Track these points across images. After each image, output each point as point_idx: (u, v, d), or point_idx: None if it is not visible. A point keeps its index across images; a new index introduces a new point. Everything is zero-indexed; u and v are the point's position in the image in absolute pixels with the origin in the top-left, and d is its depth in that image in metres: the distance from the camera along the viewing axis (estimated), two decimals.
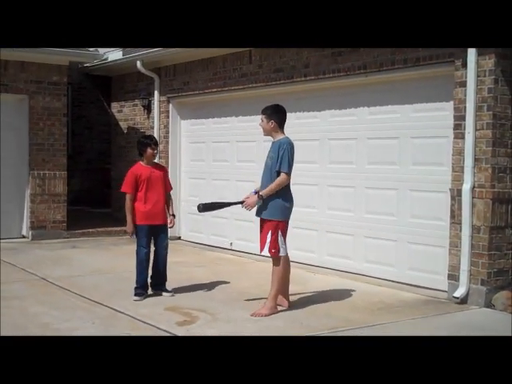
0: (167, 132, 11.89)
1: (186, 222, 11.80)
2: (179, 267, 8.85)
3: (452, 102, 7.31)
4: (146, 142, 7.30)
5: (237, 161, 10.65)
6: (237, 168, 10.60)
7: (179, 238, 11.79)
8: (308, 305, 6.91)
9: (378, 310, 6.82)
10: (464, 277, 7.05)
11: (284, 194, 6.51)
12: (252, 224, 9.81)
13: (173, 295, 7.28)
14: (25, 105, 11.28)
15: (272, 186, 6.44)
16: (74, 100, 15.42)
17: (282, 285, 6.62)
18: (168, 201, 7.39)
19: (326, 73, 8.77)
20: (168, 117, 11.93)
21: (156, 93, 12.06)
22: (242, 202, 6.65)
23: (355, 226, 8.64)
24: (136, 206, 7.19)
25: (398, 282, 7.99)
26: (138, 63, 11.82)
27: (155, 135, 11.14)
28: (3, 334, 5.55)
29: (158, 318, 6.34)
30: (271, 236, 6.46)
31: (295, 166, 6.57)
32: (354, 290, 7.68)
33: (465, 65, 7.01)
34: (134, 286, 7.18)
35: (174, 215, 7.41)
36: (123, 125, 13.41)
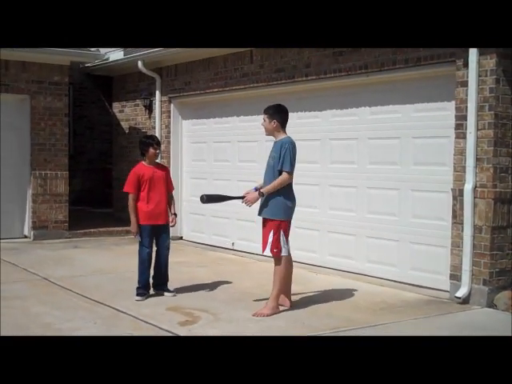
0: (168, 132, 11.90)
1: (188, 222, 11.80)
2: (181, 267, 8.85)
3: (453, 102, 7.30)
4: (148, 142, 7.30)
5: (238, 161, 10.65)
6: (238, 168, 10.60)
7: (181, 237, 11.80)
8: (310, 305, 6.91)
9: (380, 309, 6.81)
10: (466, 277, 7.04)
11: (286, 194, 6.51)
12: (254, 224, 9.82)
13: (174, 295, 7.28)
14: (26, 105, 11.28)
15: (274, 184, 6.44)
16: (76, 100, 15.43)
17: (284, 285, 6.62)
18: (170, 200, 7.39)
19: (327, 73, 8.76)
20: (169, 117, 11.93)
21: (157, 93, 12.07)
22: (242, 198, 6.66)
23: (357, 225, 8.64)
24: (138, 206, 7.19)
25: (399, 282, 7.99)
26: (140, 63, 11.83)
27: (157, 135, 11.13)
28: (5, 333, 5.55)
29: (159, 318, 6.34)
30: (273, 236, 6.46)
31: (297, 166, 6.57)
32: (355, 290, 7.68)
33: (466, 65, 7.01)
34: (136, 285, 7.18)
35: (175, 214, 7.41)
36: (124, 125, 13.42)
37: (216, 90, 10.77)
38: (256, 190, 6.61)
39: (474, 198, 7.01)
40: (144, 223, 7.18)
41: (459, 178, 7.18)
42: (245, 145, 10.51)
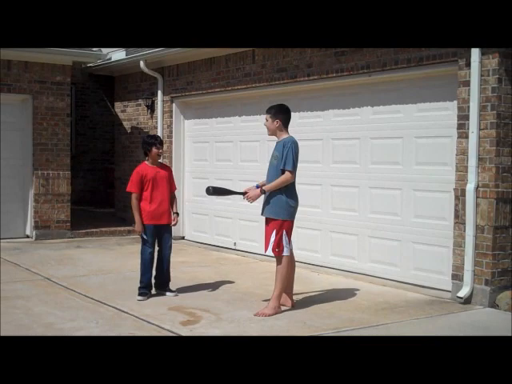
0: (170, 132, 11.90)
1: (190, 222, 11.81)
2: (183, 267, 8.86)
3: (456, 102, 7.30)
4: (151, 142, 7.30)
5: (240, 160, 10.65)
6: (240, 168, 10.60)
7: (183, 237, 11.81)
8: (312, 305, 6.91)
9: (382, 310, 6.81)
10: (468, 277, 7.04)
11: (290, 194, 6.52)
12: (256, 224, 9.83)
13: (176, 295, 7.28)
14: (28, 105, 11.30)
15: (276, 182, 6.44)
16: (78, 100, 15.44)
17: (286, 284, 6.62)
18: (172, 200, 7.39)
19: (329, 72, 8.76)
20: (171, 117, 11.93)
21: (159, 93, 12.07)
22: (244, 194, 6.67)
23: (359, 225, 8.64)
24: (141, 206, 7.19)
25: (402, 282, 7.99)
26: (142, 63, 11.84)
27: (159, 135, 11.14)
28: (7, 333, 5.56)
29: (161, 317, 6.34)
30: (276, 235, 6.46)
31: (298, 165, 6.56)
32: (357, 290, 7.68)
33: (468, 64, 7.00)
34: (138, 285, 7.19)
35: (177, 213, 7.41)
36: (127, 125, 13.42)
37: (218, 89, 10.77)
38: (257, 187, 6.62)
39: (476, 197, 7.00)
40: (147, 223, 7.18)
41: (461, 178, 7.18)
42: (247, 144, 10.51)
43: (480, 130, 6.96)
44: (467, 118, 7.05)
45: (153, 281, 7.31)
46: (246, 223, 10.39)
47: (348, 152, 8.81)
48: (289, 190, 6.52)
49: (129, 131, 13.33)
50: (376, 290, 7.75)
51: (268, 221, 6.60)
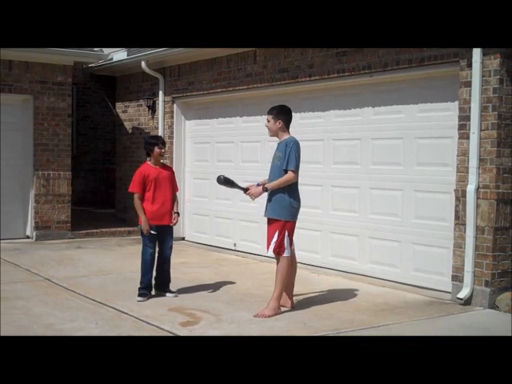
0: (172, 132, 11.89)
1: (190, 223, 11.80)
2: (183, 268, 8.86)
3: (457, 102, 7.29)
4: (153, 142, 7.30)
5: (241, 161, 10.64)
6: (241, 168, 10.59)
7: (183, 238, 11.80)
8: (312, 306, 6.90)
9: (382, 311, 6.80)
10: (468, 278, 7.03)
11: (292, 194, 6.51)
12: (256, 225, 9.83)
13: (176, 296, 7.27)
14: (29, 105, 11.30)
15: (279, 182, 6.44)
16: (79, 100, 15.45)
17: (286, 285, 6.61)
18: (173, 201, 7.37)
19: (330, 73, 8.75)
20: (172, 117, 11.93)
21: (160, 93, 12.07)
22: (246, 190, 6.66)
23: (359, 226, 8.63)
24: (143, 206, 7.17)
25: (402, 283, 7.97)
26: (143, 63, 11.84)
27: (160, 135, 11.14)
28: (7, 333, 5.55)
29: (161, 318, 6.33)
30: (278, 236, 6.46)
31: (299, 166, 6.55)
32: (357, 291, 7.67)
33: (470, 65, 6.99)
34: (138, 286, 7.18)
35: (178, 213, 7.39)
36: (128, 125, 13.42)
37: (219, 90, 10.76)
38: (258, 185, 6.62)
39: (477, 198, 6.99)
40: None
41: (462, 179, 7.16)
42: (248, 145, 10.50)
43: (481, 130, 6.95)
44: (468, 118, 7.04)
45: (153, 282, 7.31)
46: (246, 224, 10.39)
47: (349, 152, 8.80)
48: (292, 191, 6.52)
49: (130, 132, 13.33)
50: (376, 291, 7.74)
51: (270, 221, 6.60)
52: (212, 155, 11.34)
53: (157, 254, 7.31)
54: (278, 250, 6.47)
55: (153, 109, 12.40)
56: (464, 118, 7.12)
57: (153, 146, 7.25)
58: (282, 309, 6.61)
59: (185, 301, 7.09)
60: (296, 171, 6.45)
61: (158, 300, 7.13)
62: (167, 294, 7.28)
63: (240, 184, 6.87)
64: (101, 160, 15.88)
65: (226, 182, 6.81)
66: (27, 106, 11.30)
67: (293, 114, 6.86)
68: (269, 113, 6.71)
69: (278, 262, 6.57)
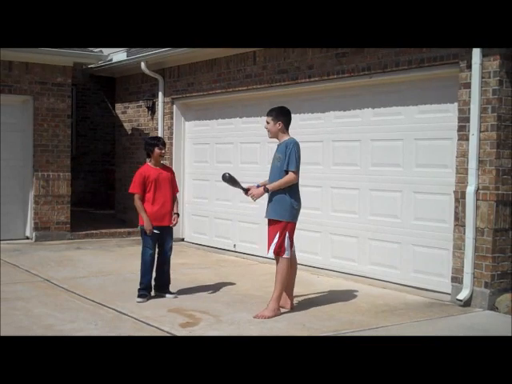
0: (171, 133, 11.89)
1: (190, 224, 11.80)
2: (183, 269, 8.86)
3: (456, 104, 7.29)
4: (153, 143, 7.30)
5: (240, 162, 10.63)
6: (240, 169, 10.58)
7: (183, 239, 11.80)
8: (311, 307, 6.90)
9: (382, 312, 6.80)
10: (468, 279, 7.03)
11: (293, 195, 6.52)
12: (256, 226, 9.83)
13: (176, 297, 7.27)
14: (29, 106, 11.30)
15: (280, 182, 6.44)
16: (79, 101, 15.45)
17: (286, 286, 6.61)
18: (173, 202, 7.37)
19: (330, 74, 8.76)
20: (172, 118, 11.93)
21: (160, 94, 12.08)
22: (247, 190, 6.65)
23: (359, 228, 8.63)
24: (144, 207, 7.17)
25: (402, 285, 7.97)
26: (143, 64, 11.84)
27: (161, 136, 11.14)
28: (7, 334, 5.55)
29: (161, 319, 6.33)
30: (279, 237, 6.46)
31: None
32: (357, 292, 7.68)
33: (469, 66, 6.99)
34: (138, 287, 7.17)
35: (177, 214, 7.38)
36: (127, 126, 13.42)
37: (219, 91, 10.77)
38: (258, 186, 6.62)
39: (477, 200, 6.99)
40: None
41: (461, 180, 7.17)
42: (247, 146, 10.50)
43: (480, 132, 6.95)
44: (468, 120, 7.05)
45: (153, 283, 7.31)
46: (245, 225, 10.39)
47: (348, 154, 8.80)
48: (293, 192, 6.52)
49: (129, 133, 13.33)
50: (376, 293, 7.74)
51: (271, 222, 6.59)
52: (211, 156, 11.34)
53: (156, 255, 7.32)
54: (279, 251, 6.47)
55: (152, 110, 12.41)
56: (463, 120, 7.13)
57: (153, 147, 7.26)
58: (282, 310, 6.61)
59: (184, 302, 7.09)
60: (297, 172, 6.46)
61: (157, 301, 7.13)
62: (167, 295, 7.28)
63: (237, 195, 6.87)
64: (100, 161, 15.88)
65: (230, 179, 6.80)
66: (27, 106, 11.30)
67: (292, 115, 6.87)
68: (268, 114, 6.71)
69: (277, 263, 6.57)
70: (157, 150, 7.24)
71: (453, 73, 7.29)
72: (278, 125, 6.60)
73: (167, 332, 5.89)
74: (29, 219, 11.43)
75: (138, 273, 7.26)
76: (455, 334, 5.98)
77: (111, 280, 8.26)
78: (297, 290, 7.00)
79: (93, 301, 7.06)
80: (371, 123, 8.50)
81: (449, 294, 7.31)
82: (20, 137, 11.28)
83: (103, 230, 12.12)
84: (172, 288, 7.39)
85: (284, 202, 6.48)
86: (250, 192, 6.64)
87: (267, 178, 6.73)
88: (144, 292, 7.15)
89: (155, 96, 12.27)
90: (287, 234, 6.49)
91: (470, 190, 7.00)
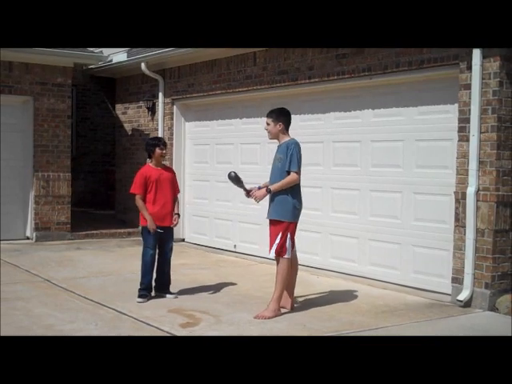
0: (171, 134, 11.89)
1: (190, 224, 11.80)
2: (183, 269, 8.86)
3: (456, 105, 7.29)
4: (154, 143, 7.31)
5: (240, 163, 10.63)
6: (241, 170, 10.54)
7: (183, 239, 11.80)
8: (311, 307, 6.90)
9: (382, 313, 6.80)
10: (468, 280, 7.03)
11: (295, 196, 6.52)
12: (256, 226, 9.83)
13: (176, 297, 7.27)
14: (29, 106, 11.30)
15: (282, 183, 6.44)
16: (79, 102, 15.45)
17: (286, 286, 6.61)
18: (174, 202, 7.37)
19: (330, 75, 8.76)
20: (172, 119, 11.93)
21: (160, 95, 12.08)
22: (249, 192, 6.65)
23: (359, 228, 8.63)
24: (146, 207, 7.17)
25: (402, 285, 7.97)
26: (143, 65, 11.84)
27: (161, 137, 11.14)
28: (7, 334, 5.55)
29: (161, 320, 6.33)
30: (281, 238, 6.46)
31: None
32: (357, 293, 7.68)
33: (469, 67, 7.00)
34: (138, 287, 7.18)
35: (178, 214, 7.39)
36: (127, 127, 13.42)
37: (219, 92, 10.77)
38: (260, 188, 6.62)
39: (477, 201, 6.99)
40: None
41: (462, 181, 7.17)
42: (247, 147, 10.51)
43: (481, 133, 6.96)
44: (468, 121, 7.05)
45: (153, 283, 7.31)
46: (245, 225, 10.39)
47: (349, 155, 8.80)
48: (295, 192, 6.53)
49: (129, 133, 13.33)
50: (376, 293, 7.74)
51: (273, 222, 6.59)
52: (212, 157, 11.34)
53: (157, 256, 7.32)
54: (280, 252, 6.47)
55: (152, 110, 12.41)
56: (464, 121, 7.13)
57: (154, 148, 7.26)
58: (282, 310, 6.61)
59: (185, 302, 7.10)
60: (299, 172, 6.46)
61: (157, 301, 7.13)
62: (167, 296, 7.28)
63: (238, 191, 6.86)
64: (100, 161, 15.87)
65: (236, 179, 6.78)
66: (27, 107, 11.31)
67: (292, 116, 6.88)
68: (268, 116, 6.71)
69: (278, 263, 6.57)
70: (158, 151, 7.25)
71: (453, 74, 7.30)
72: (278, 126, 6.60)
73: (167, 332, 5.90)
74: (29, 219, 11.43)
75: (139, 273, 7.26)
76: (455, 334, 5.98)
77: (111, 280, 8.26)
78: (297, 291, 7.00)
79: (93, 301, 7.06)
80: (371, 124, 8.51)
81: (449, 294, 7.31)
82: (20, 137, 11.29)
83: (103, 231, 12.12)
84: (172, 288, 7.39)
85: (286, 203, 6.48)
86: (252, 193, 6.63)
87: (268, 179, 6.73)
88: (144, 292, 7.15)
89: (155, 97, 12.27)
90: (289, 235, 6.49)
91: (471, 190, 7.01)
